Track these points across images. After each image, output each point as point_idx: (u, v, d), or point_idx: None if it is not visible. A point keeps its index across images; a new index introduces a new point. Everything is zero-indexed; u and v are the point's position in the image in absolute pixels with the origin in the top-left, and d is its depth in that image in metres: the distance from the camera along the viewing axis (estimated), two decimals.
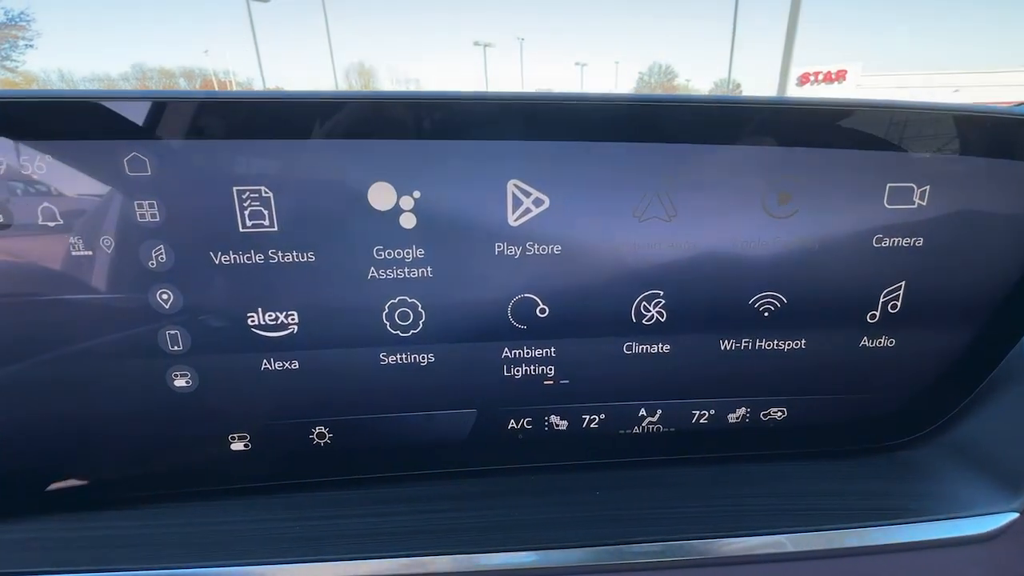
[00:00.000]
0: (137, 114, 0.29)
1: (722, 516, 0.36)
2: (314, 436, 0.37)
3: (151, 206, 0.30)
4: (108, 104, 0.29)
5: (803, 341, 0.37)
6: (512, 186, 0.32)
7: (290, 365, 0.34)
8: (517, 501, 0.37)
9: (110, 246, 0.30)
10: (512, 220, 0.33)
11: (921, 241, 0.35)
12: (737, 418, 0.40)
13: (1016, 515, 0.35)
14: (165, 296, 0.32)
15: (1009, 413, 0.39)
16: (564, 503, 0.37)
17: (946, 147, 0.33)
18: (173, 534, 0.34)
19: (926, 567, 0.35)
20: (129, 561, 0.32)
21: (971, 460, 0.40)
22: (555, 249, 0.33)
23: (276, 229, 0.31)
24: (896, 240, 0.35)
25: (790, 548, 0.34)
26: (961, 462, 0.40)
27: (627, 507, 0.37)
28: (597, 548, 0.33)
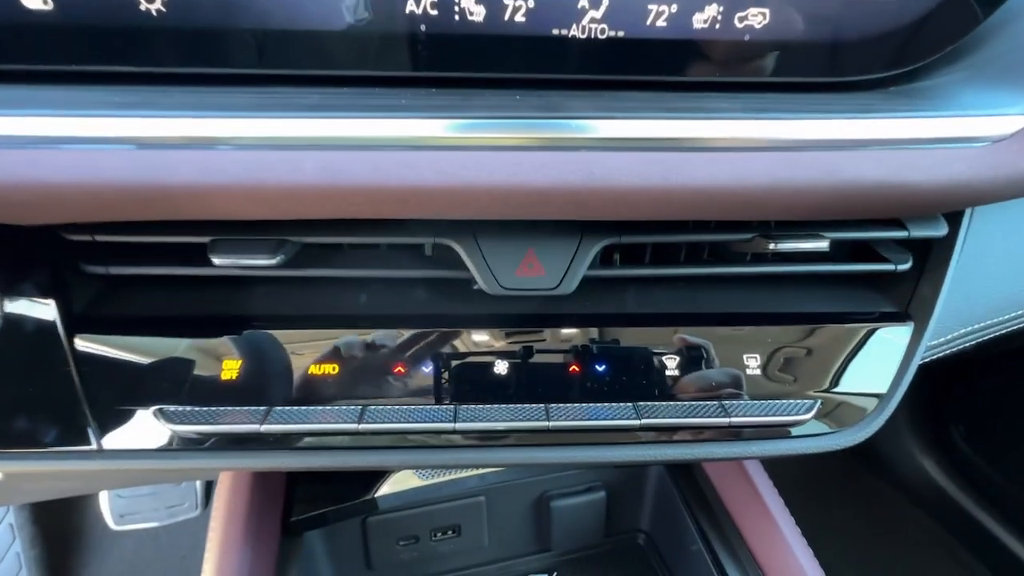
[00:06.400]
0: None
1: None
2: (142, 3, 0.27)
3: None
4: None
5: None
6: None
7: None
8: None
9: None
10: None
11: None
12: (706, 21, 0.31)
13: None
14: None
15: None
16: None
17: None
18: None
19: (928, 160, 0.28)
20: None
21: (987, 79, 0.32)
22: None
23: None
24: None
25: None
26: (977, 84, 0.32)
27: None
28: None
